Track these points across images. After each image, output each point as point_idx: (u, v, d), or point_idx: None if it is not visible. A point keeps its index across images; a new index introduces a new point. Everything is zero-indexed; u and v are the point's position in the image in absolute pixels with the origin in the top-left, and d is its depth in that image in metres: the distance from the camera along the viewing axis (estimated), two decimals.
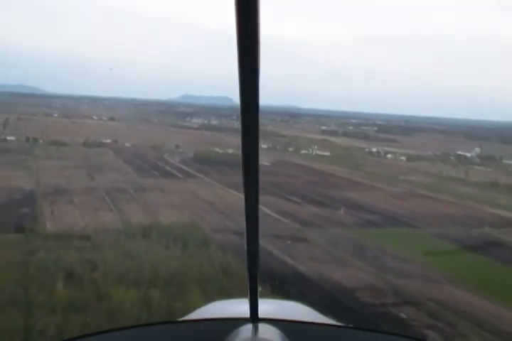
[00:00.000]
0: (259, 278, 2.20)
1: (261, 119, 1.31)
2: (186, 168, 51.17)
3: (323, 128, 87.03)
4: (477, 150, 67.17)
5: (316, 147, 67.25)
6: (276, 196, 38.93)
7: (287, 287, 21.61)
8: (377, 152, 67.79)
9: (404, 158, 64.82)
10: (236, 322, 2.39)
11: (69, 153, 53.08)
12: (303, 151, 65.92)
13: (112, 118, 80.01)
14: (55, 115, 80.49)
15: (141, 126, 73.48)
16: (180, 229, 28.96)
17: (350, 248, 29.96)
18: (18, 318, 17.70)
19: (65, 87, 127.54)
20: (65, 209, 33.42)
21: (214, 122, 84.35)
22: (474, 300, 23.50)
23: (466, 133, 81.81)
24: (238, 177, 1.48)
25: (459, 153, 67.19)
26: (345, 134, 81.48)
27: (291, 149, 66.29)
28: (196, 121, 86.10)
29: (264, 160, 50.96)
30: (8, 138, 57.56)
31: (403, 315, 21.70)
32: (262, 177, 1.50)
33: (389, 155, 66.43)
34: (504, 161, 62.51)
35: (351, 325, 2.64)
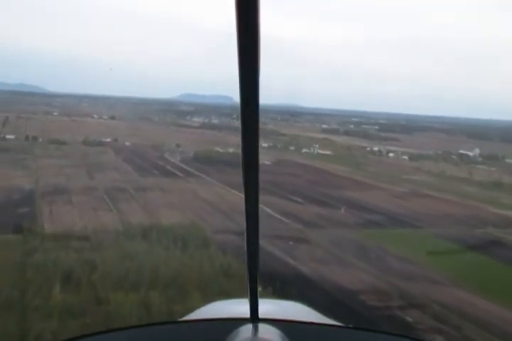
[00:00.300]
0: (259, 278, 2.21)
1: (261, 118, 1.31)
2: (187, 167, 50.93)
3: (324, 126, 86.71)
4: (479, 149, 66.83)
5: (317, 146, 66.91)
6: (277, 196, 38.70)
7: (288, 288, 21.39)
8: (379, 151, 67.32)
9: (406, 157, 64.38)
10: (236, 322, 2.41)
11: (68, 151, 52.85)
12: (304, 150, 65.56)
13: (112, 117, 79.77)
14: (55, 113, 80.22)
15: (142, 125, 73.25)
16: (180, 230, 28.76)
17: (352, 249, 29.77)
18: (14, 320, 17.52)
19: (65, 86, 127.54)
20: (64, 209, 33.21)
21: (215, 121, 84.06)
22: (475, 300, 23.26)
23: (468, 132, 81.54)
24: (239, 176, 1.48)
25: (462, 152, 66.86)
26: (347, 133, 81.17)
27: (292, 148, 65.97)
28: (197, 120, 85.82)
29: (264, 159, 50.73)
30: (8, 136, 57.28)
31: (409, 319, 21.48)
32: (263, 177, 1.48)
33: (391, 154, 65.97)
34: (507, 160, 62.15)
35: (351, 325, 2.63)
